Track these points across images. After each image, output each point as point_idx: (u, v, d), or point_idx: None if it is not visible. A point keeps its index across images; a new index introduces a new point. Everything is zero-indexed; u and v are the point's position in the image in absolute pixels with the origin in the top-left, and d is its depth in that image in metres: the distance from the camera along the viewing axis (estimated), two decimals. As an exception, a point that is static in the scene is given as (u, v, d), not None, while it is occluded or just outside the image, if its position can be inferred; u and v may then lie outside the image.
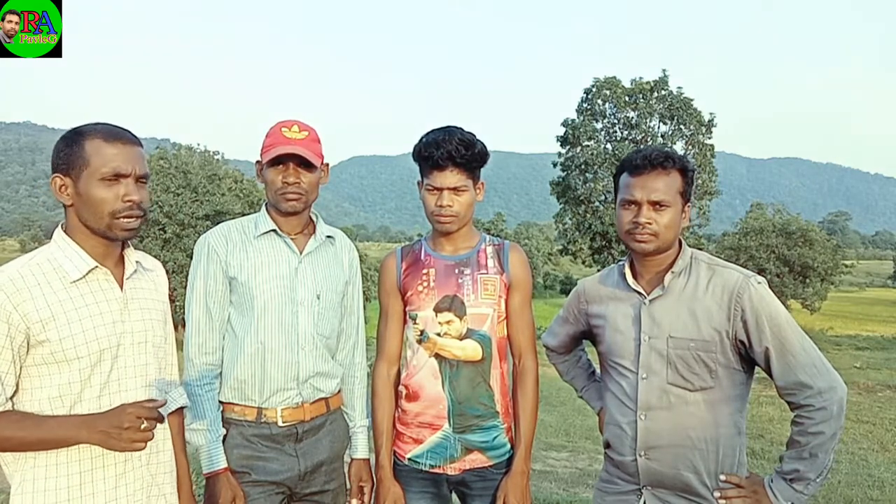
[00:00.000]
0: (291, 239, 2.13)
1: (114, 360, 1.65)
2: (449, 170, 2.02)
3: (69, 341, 1.57)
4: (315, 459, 2.11)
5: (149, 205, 1.70)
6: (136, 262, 1.76)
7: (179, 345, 1.99)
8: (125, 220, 1.62)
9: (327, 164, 2.16)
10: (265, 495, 2.05)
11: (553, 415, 9.85)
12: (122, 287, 1.70)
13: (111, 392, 1.64)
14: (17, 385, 1.58)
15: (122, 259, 1.74)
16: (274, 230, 2.12)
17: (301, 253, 2.13)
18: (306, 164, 2.06)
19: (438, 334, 2.08)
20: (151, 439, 1.55)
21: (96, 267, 1.64)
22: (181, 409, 1.92)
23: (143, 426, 1.52)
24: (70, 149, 1.61)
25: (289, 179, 2.05)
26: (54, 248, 1.64)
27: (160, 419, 1.56)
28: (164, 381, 1.81)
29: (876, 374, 16.32)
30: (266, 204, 2.18)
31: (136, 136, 1.67)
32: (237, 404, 2.07)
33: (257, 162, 2.13)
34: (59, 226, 1.68)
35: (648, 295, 1.95)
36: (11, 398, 1.57)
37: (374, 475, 2.20)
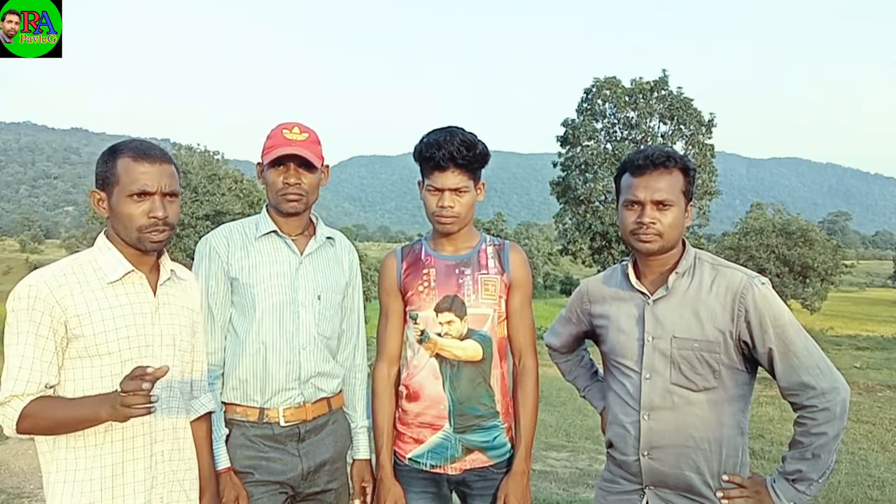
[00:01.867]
0: (292, 240, 2.14)
1: (142, 360, 1.71)
2: (450, 171, 2.02)
3: (102, 337, 1.68)
4: (318, 459, 2.12)
5: (178, 218, 1.80)
6: (171, 270, 1.86)
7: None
8: (152, 233, 1.73)
9: (328, 166, 2.17)
10: (268, 495, 2.05)
11: (553, 415, 9.84)
12: (154, 292, 1.80)
13: None
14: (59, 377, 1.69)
15: (157, 266, 1.84)
16: (275, 231, 2.12)
17: (301, 254, 2.14)
18: (307, 165, 2.07)
19: (439, 334, 2.07)
20: (151, 403, 1.51)
21: (132, 271, 1.76)
22: (209, 414, 1.97)
23: (143, 386, 1.48)
24: (105, 166, 1.73)
25: (289, 180, 2.06)
26: (96, 252, 1.77)
27: (156, 376, 1.50)
28: (186, 384, 1.88)
29: (876, 374, 16.32)
30: (267, 205, 2.19)
31: (166, 154, 1.77)
32: (239, 405, 2.07)
33: (258, 163, 2.14)
34: (103, 232, 1.80)
35: (652, 295, 1.94)
36: (54, 387, 1.67)
37: (375, 475, 2.19)
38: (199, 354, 1.95)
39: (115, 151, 1.74)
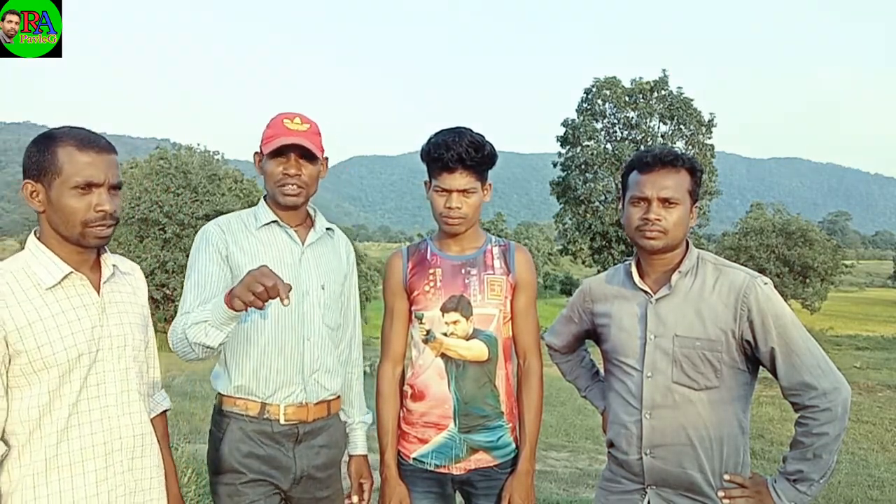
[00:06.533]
0: (293, 230, 2.11)
1: (93, 365, 1.61)
2: (459, 172, 2.01)
3: (48, 348, 1.53)
4: (311, 464, 2.08)
5: (121, 213, 1.67)
6: (113, 265, 1.72)
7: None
8: (97, 228, 1.59)
9: (327, 158, 2.13)
10: (265, 496, 2.02)
11: (553, 415, 9.85)
12: (99, 292, 1.66)
13: (90, 397, 1.61)
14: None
15: (98, 263, 1.70)
16: (276, 221, 2.09)
17: (303, 244, 2.12)
18: (308, 157, 2.03)
19: (445, 334, 2.08)
20: None
21: (71, 273, 1.60)
22: (165, 413, 1.90)
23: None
24: (42, 154, 1.56)
25: (290, 171, 2.02)
26: (28, 256, 1.60)
27: None
28: (145, 385, 1.77)
29: (876, 374, 16.35)
30: (265, 196, 2.15)
31: (109, 144, 1.64)
32: (239, 398, 2.03)
33: (256, 153, 2.09)
34: (33, 233, 1.64)
35: (655, 294, 1.95)
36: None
37: (373, 472, 2.19)
38: (151, 350, 1.84)
39: (52, 138, 1.57)
